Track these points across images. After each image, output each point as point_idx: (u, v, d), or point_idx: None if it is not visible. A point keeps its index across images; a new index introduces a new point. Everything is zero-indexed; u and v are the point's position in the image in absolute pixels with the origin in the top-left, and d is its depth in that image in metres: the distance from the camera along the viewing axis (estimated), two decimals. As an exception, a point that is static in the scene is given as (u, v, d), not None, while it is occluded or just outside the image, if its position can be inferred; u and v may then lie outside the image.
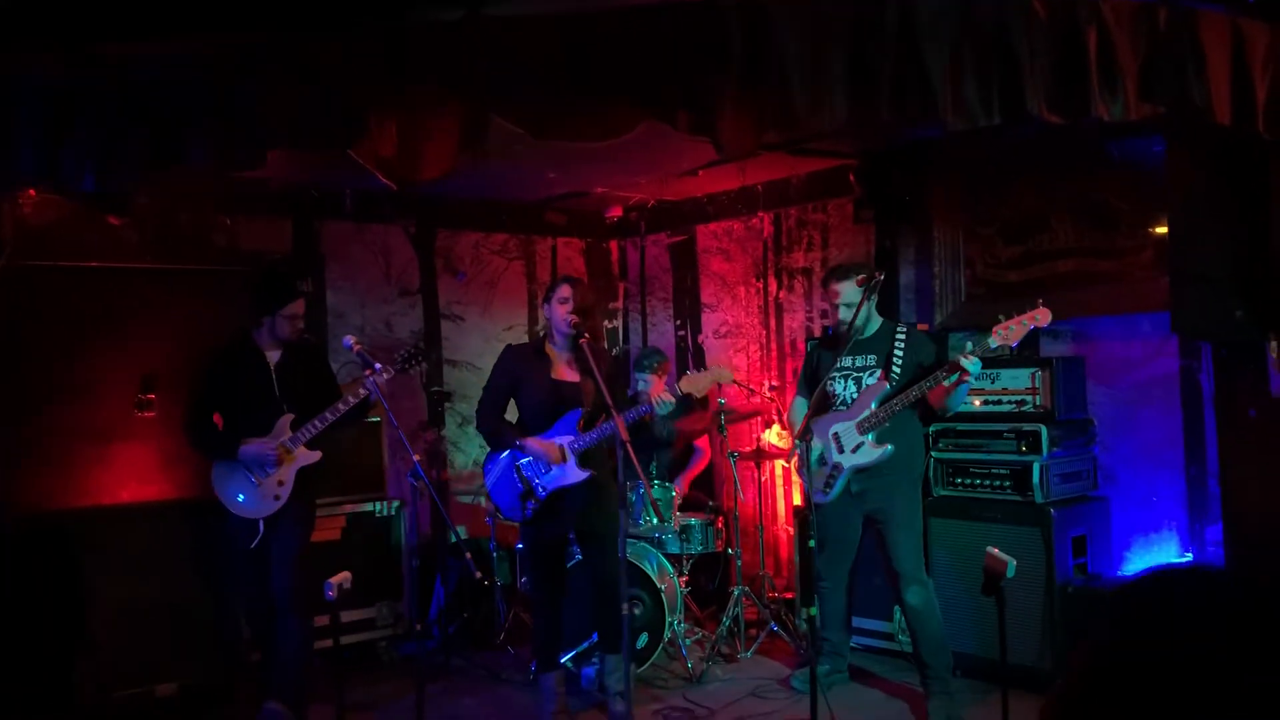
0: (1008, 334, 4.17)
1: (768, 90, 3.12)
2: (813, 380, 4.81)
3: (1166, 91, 3.39)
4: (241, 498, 4.45)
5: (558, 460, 4.46)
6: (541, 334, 4.78)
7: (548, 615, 4.67)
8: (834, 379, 4.61)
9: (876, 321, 4.66)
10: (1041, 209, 5.31)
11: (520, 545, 5.88)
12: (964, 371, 4.20)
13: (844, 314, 4.61)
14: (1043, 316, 4.15)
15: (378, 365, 4.30)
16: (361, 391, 4.40)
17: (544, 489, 4.47)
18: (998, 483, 4.88)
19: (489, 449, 4.69)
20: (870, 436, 4.49)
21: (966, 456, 5.01)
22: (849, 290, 4.56)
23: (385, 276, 6.64)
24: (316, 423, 4.45)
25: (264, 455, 4.41)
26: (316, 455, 4.54)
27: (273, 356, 4.58)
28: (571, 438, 4.49)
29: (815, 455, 4.54)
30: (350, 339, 4.38)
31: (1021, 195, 5.40)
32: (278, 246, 6.14)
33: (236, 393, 4.53)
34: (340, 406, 4.42)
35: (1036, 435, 4.75)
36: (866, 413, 4.49)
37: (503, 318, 7.16)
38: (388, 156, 3.33)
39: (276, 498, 4.46)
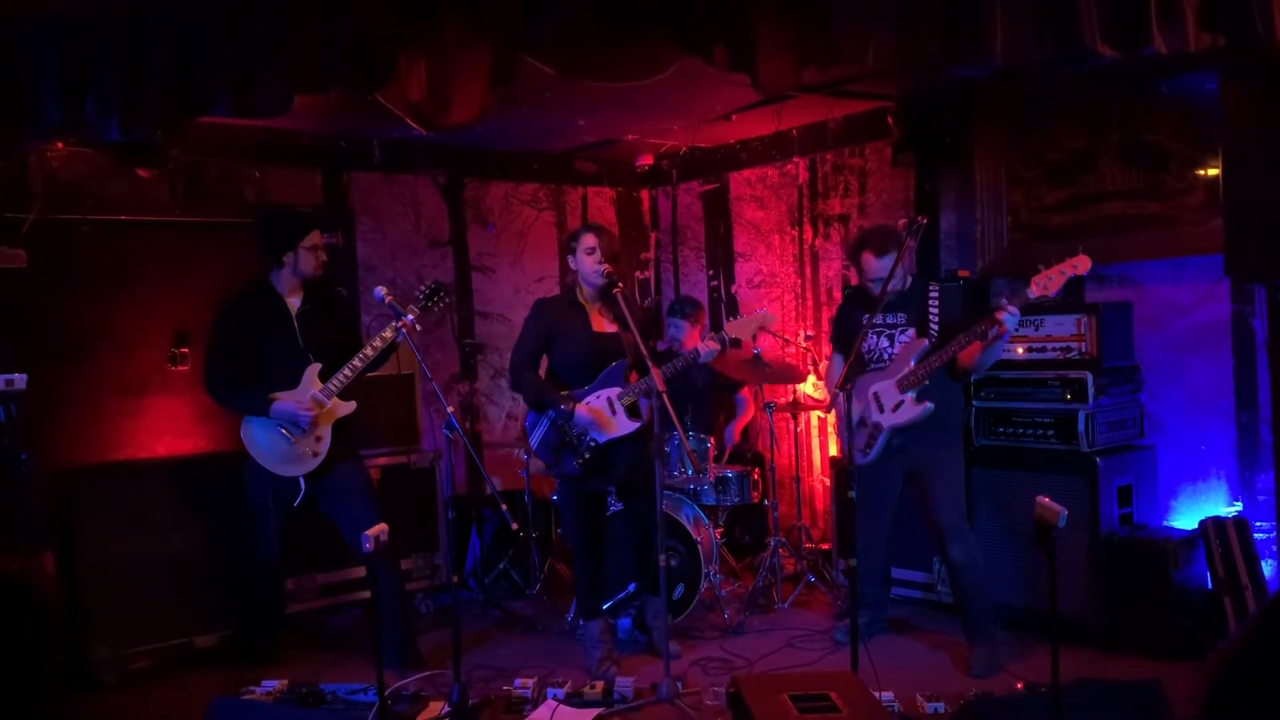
0: (1047, 283, 4.05)
1: (808, 23, 3.00)
2: (845, 338, 4.70)
3: (1228, 21, 3.24)
4: (277, 455, 4.41)
5: (609, 426, 4.40)
6: (572, 285, 4.68)
7: (590, 565, 4.67)
8: (867, 335, 4.49)
9: (908, 279, 4.54)
10: (1089, 150, 5.13)
11: (556, 497, 5.86)
12: (1001, 325, 4.10)
13: (874, 288, 4.44)
14: (1081, 264, 4.02)
15: (409, 316, 4.25)
16: (387, 334, 4.33)
17: (595, 441, 4.43)
18: (1041, 431, 4.78)
19: (530, 408, 4.60)
20: (910, 394, 4.39)
21: (1009, 405, 4.90)
22: (881, 265, 4.38)
23: (415, 228, 6.57)
24: (346, 372, 4.39)
25: (297, 415, 4.35)
26: (351, 406, 4.49)
27: (294, 304, 4.51)
28: (619, 389, 4.42)
29: (856, 416, 4.44)
30: (381, 290, 4.30)
31: (1068, 136, 5.20)
32: (308, 198, 6.08)
33: (259, 343, 4.45)
34: (368, 352, 4.37)
35: (1082, 383, 4.64)
36: (905, 370, 4.40)
37: (533, 269, 7.08)
38: (416, 100, 3.24)
39: (315, 454, 4.42)
